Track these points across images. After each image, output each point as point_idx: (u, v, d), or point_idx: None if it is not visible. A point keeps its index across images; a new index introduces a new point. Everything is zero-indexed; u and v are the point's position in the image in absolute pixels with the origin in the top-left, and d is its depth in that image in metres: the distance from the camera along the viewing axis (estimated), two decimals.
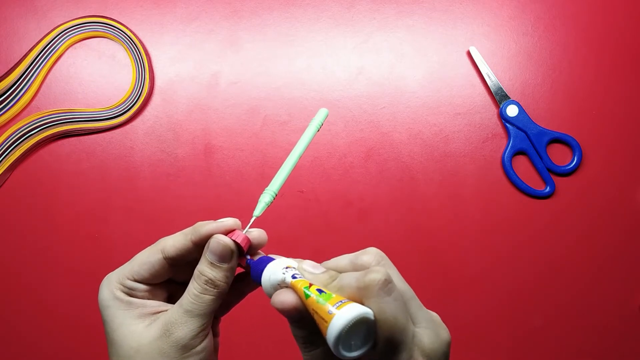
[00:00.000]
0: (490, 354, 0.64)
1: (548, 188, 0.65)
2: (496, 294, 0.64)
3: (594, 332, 0.64)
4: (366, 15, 0.69)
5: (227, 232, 0.34)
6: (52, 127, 0.66)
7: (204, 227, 0.34)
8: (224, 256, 0.33)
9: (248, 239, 0.35)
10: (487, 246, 0.65)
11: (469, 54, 0.68)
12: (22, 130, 0.66)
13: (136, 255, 0.35)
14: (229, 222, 0.35)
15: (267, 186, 0.37)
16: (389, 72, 0.68)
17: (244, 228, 0.35)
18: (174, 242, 0.34)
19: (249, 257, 0.35)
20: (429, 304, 0.33)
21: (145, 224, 0.66)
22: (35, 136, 0.66)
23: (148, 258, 0.34)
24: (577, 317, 0.64)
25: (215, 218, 0.69)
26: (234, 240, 0.34)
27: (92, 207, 0.66)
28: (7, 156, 0.66)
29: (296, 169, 0.67)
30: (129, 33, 0.68)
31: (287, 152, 0.66)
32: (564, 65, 0.67)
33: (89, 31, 0.68)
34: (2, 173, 0.66)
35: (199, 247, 0.34)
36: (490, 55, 0.68)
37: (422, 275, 0.64)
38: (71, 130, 0.67)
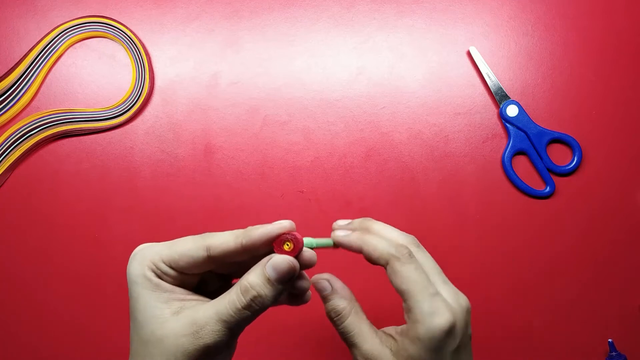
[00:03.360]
0: (490, 353, 0.64)
1: (548, 188, 0.65)
2: (496, 294, 0.64)
3: (594, 332, 0.64)
4: (366, 15, 0.69)
5: (282, 234, 0.32)
6: (52, 127, 0.67)
7: (257, 230, 0.33)
8: (287, 276, 0.32)
9: (301, 245, 0.33)
10: (486, 246, 0.65)
11: (469, 54, 0.68)
12: (22, 130, 0.66)
13: (177, 242, 0.33)
14: (284, 224, 0.33)
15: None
16: (389, 72, 0.68)
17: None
18: (223, 243, 0.33)
19: None
20: None
21: (145, 224, 0.66)
22: (35, 136, 0.66)
23: (190, 252, 0.33)
24: (577, 317, 0.64)
25: (215, 218, 0.69)
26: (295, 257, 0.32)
27: (92, 207, 0.66)
28: (7, 156, 0.66)
29: (296, 169, 0.67)
30: (129, 33, 0.68)
31: (287, 152, 0.66)
32: (564, 65, 0.67)
33: (89, 31, 0.68)
34: (2, 173, 0.66)
35: (248, 250, 0.33)
36: (490, 55, 0.68)
37: None
38: (71, 130, 0.67)
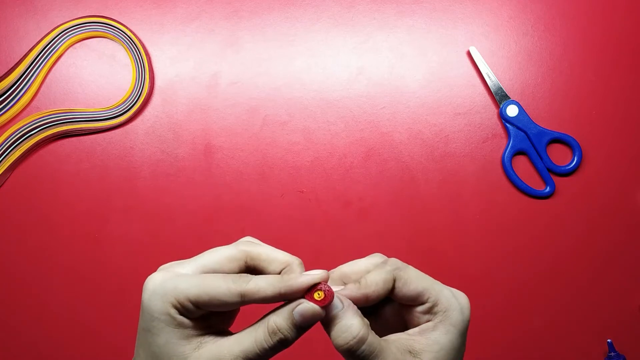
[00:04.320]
0: (490, 353, 0.64)
1: (548, 188, 0.65)
2: (496, 294, 0.64)
3: (594, 332, 0.64)
4: (366, 15, 0.69)
5: (318, 283, 0.33)
6: (52, 127, 0.67)
7: (297, 280, 0.32)
8: (311, 323, 0.32)
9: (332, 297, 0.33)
10: (486, 246, 0.65)
11: (469, 54, 0.68)
12: (22, 130, 0.66)
13: (206, 282, 0.32)
14: (322, 274, 0.33)
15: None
16: (389, 72, 0.68)
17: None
18: (260, 291, 0.32)
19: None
20: None
21: (145, 224, 0.66)
22: (35, 136, 0.66)
23: (222, 297, 0.32)
24: (577, 317, 0.64)
25: (215, 218, 0.69)
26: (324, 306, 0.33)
27: (92, 207, 0.66)
28: (7, 156, 0.66)
29: (296, 169, 0.67)
30: (129, 33, 0.68)
31: (287, 152, 0.66)
32: (564, 65, 0.67)
33: (89, 31, 0.68)
34: (2, 173, 0.66)
35: (284, 298, 0.33)
36: (490, 55, 0.68)
37: None
38: (71, 130, 0.67)
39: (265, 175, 0.66)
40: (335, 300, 0.32)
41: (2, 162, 0.66)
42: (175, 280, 0.32)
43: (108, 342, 0.64)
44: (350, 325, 0.32)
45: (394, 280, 0.33)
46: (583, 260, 0.65)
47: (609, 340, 0.62)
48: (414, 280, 0.34)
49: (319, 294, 0.32)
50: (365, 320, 0.32)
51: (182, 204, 0.66)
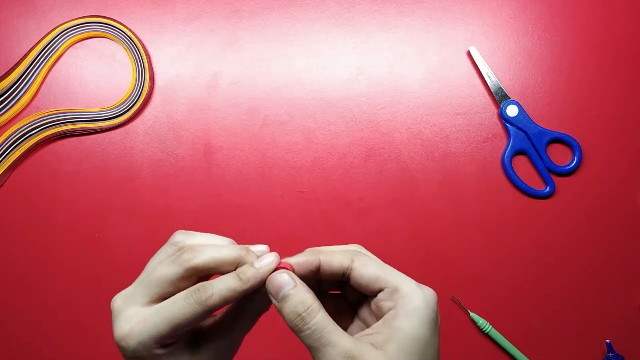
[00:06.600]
0: (490, 353, 0.64)
1: (548, 188, 0.65)
2: (495, 294, 0.64)
3: (594, 332, 0.64)
4: (366, 15, 0.69)
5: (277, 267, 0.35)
6: (52, 127, 0.67)
7: (258, 279, 0.34)
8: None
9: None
10: (486, 246, 0.65)
11: (469, 54, 0.68)
12: (22, 130, 0.66)
13: (174, 314, 0.33)
14: (275, 260, 0.35)
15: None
16: (389, 72, 0.68)
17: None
18: (225, 300, 0.33)
19: None
20: None
21: (145, 224, 0.66)
22: (35, 136, 0.66)
23: (195, 320, 0.33)
24: (576, 317, 0.64)
25: (215, 218, 0.69)
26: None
27: (92, 208, 0.66)
28: (7, 156, 0.66)
29: (296, 169, 0.67)
30: (129, 33, 0.68)
31: (287, 152, 0.66)
32: (564, 65, 0.67)
33: (89, 31, 0.68)
34: (2, 173, 0.66)
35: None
36: (490, 55, 0.68)
37: (421, 274, 0.64)
38: (71, 130, 0.67)
39: (265, 175, 0.66)
40: (288, 279, 0.33)
41: (2, 162, 0.66)
42: (146, 327, 0.34)
43: (108, 342, 0.64)
44: (306, 298, 0.33)
45: (352, 261, 0.34)
46: (583, 260, 0.65)
47: (607, 340, 0.62)
48: (373, 263, 0.35)
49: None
50: (318, 300, 0.33)
51: (182, 204, 0.66)
